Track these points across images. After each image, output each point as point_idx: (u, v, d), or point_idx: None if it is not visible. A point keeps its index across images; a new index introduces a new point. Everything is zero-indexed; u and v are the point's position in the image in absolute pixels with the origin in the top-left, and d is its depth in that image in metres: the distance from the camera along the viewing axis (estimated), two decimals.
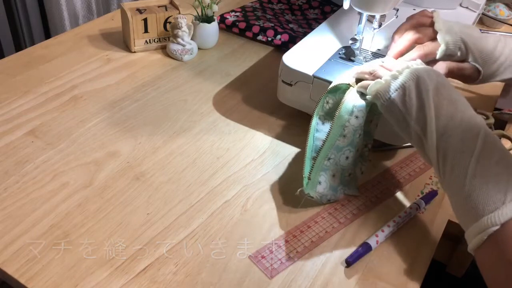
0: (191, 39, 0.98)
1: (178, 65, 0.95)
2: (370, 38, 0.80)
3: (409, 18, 0.75)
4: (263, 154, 0.75)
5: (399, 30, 0.74)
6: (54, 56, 0.94)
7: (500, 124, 0.84)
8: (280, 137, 0.78)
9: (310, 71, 0.74)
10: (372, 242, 0.60)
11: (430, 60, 0.71)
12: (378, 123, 0.69)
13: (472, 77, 0.74)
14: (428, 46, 0.70)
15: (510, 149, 0.76)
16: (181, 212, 0.64)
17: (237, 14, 1.11)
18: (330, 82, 0.69)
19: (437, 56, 0.71)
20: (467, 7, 1.01)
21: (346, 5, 0.73)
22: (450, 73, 0.72)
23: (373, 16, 0.76)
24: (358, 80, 0.66)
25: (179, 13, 0.96)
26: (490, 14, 1.18)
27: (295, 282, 0.56)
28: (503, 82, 0.81)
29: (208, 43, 1.01)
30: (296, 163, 0.73)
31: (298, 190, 0.64)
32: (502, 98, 0.92)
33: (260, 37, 1.05)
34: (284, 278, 0.57)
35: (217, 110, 0.83)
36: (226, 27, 1.08)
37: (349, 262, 0.58)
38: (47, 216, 0.61)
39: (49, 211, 0.62)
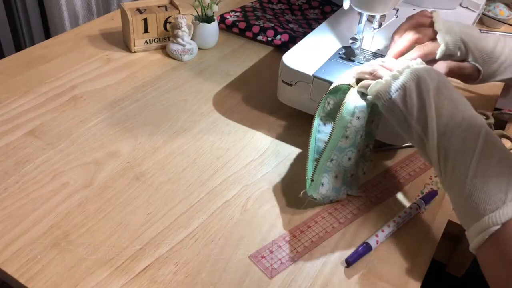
0: (191, 39, 0.98)
1: (178, 65, 0.95)
2: (370, 38, 0.80)
3: (408, 18, 0.75)
4: (263, 154, 0.75)
5: (399, 30, 0.74)
6: (54, 56, 0.94)
7: (500, 124, 0.84)
8: (280, 137, 0.78)
9: (310, 71, 0.74)
10: (372, 242, 0.60)
11: (430, 60, 0.71)
12: (379, 123, 0.69)
13: (472, 76, 0.74)
14: (428, 46, 0.70)
15: (510, 149, 0.76)
16: (181, 212, 0.64)
17: (237, 14, 1.11)
18: (330, 82, 0.69)
19: (437, 56, 0.71)
20: (467, 7, 1.01)
21: (346, 5, 0.73)
22: (451, 73, 0.72)
23: (373, 16, 0.76)
24: (359, 80, 0.65)
25: (179, 13, 0.96)
26: (490, 14, 1.18)
27: (295, 282, 0.56)
28: (503, 82, 0.81)
29: (208, 43, 1.01)
30: (297, 163, 0.73)
31: (302, 192, 0.64)
32: (502, 98, 0.92)
33: (260, 37, 1.05)
34: (284, 278, 0.57)
35: (217, 110, 0.83)
36: (226, 27, 1.08)
37: (349, 262, 0.58)
38: (47, 216, 0.61)
39: (49, 211, 0.62)
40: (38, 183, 0.66)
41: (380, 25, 0.78)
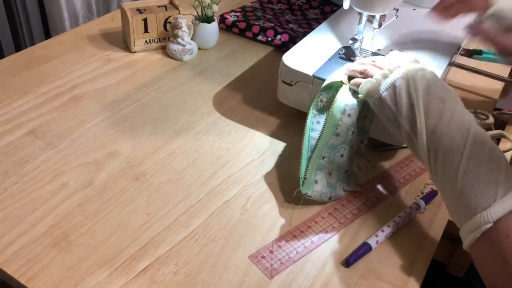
0: (191, 39, 0.98)
1: (178, 65, 0.95)
2: (370, 38, 0.80)
3: None
4: (263, 154, 0.75)
5: None
6: (54, 56, 0.94)
7: (500, 124, 0.84)
8: (280, 137, 0.78)
9: (310, 71, 0.74)
10: (372, 242, 0.60)
11: (474, 24, 0.70)
12: (376, 121, 0.69)
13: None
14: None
15: (510, 149, 0.76)
16: (181, 212, 0.64)
17: (237, 14, 1.11)
18: None
19: (485, 15, 0.70)
20: None
21: (346, 5, 0.74)
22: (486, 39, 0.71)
23: (373, 16, 0.76)
24: (351, 78, 0.65)
25: (179, 13, 0.96)
26: None
27: (295, 282, 0.56)
28: None
29: (208, 43, 1.01)
30: (297, 163, 0.73)
31: (295, 191, 0.64)
32: (502, 98, 0.92)
33: (260, 37, 1.05)
34: (284, 278, 0.57)
35: (217, 110, 0.83)
36: (226, 27, 1.08)
37: (349, 262, 0.58)
38: (47, 216, 0.61)
39: (49, 211, 0.62)
40: (38, 183, 0.66)
41: (380, 25, 0.78)
